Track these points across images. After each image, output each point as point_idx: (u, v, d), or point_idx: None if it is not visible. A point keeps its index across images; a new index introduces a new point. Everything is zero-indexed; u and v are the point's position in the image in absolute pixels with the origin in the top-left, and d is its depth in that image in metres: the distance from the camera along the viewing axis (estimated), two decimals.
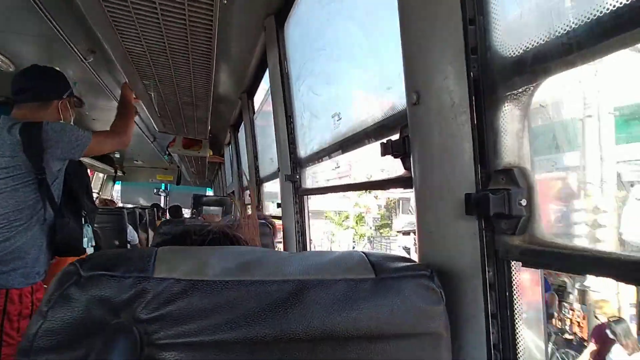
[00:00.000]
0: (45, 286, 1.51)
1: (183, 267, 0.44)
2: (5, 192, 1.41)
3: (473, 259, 0.61)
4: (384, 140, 0.84)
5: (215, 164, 6.12)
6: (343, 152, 1.23)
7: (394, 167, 0.95)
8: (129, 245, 3.84)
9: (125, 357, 0.38)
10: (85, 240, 1.62)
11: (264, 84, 2.49)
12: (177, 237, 0.63)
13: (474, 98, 0.62)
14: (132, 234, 3.94)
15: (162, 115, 2.81)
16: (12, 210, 1.41)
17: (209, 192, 9.15)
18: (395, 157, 0.82)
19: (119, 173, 6.88)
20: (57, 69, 1.73)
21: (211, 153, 4.60)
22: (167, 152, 4.81)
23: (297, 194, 1.73)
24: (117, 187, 8.49)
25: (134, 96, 2.15)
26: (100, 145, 1.69)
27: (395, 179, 0.92)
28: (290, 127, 1.73)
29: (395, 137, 0.83)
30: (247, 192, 3.42)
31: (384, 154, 0.83)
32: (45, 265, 1.53)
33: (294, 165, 1.72)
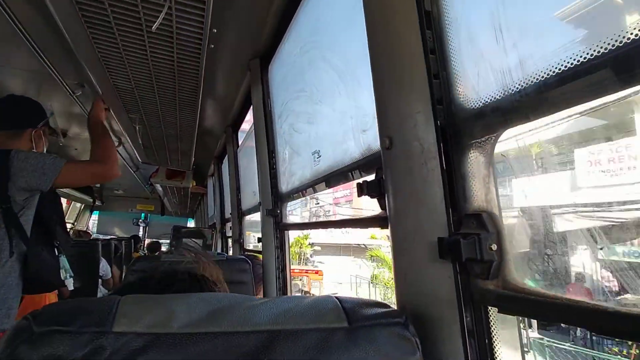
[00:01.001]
0: None
1: (146, 318, 0.42)
2: None
3: (450, 304, 0.61)
4: (360, 181, 0.87)
5: (198, 195, 6.07)
6: (322, 189, 1.26)
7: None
8: (100, 280, 3.63)
9: None
10: (62, 271, 1.54)
11: (249, 118, 2.54)
12: (143, 282, 0.59)
13: (441, 145, 0.66)
14: (104, 268, 3.70)
15: (146, 147, 2.82)
16: None
17: (190, 223, 9.00)
18: (372, 197, 0.85)
19: (98, 203, 6.70)
20: (34, 99, 1.68)
21: (194, 184, 4.58)
22: (149, 183, 4.78)
23: (278, 228, 1.74)
24: (95, 216, 8.21)
25: (105, 106, 1.86)
26: (76, 175, 1.54)
27: (373, 218, 0.94)
28: (272, 162, 1.76)
29: (372, 177, 0.87)
30: (229, 224, 3.39)
31: (360, 194, 0.86)
32: (16, 307, 1.39)
33: (275, 200, 1.74)
